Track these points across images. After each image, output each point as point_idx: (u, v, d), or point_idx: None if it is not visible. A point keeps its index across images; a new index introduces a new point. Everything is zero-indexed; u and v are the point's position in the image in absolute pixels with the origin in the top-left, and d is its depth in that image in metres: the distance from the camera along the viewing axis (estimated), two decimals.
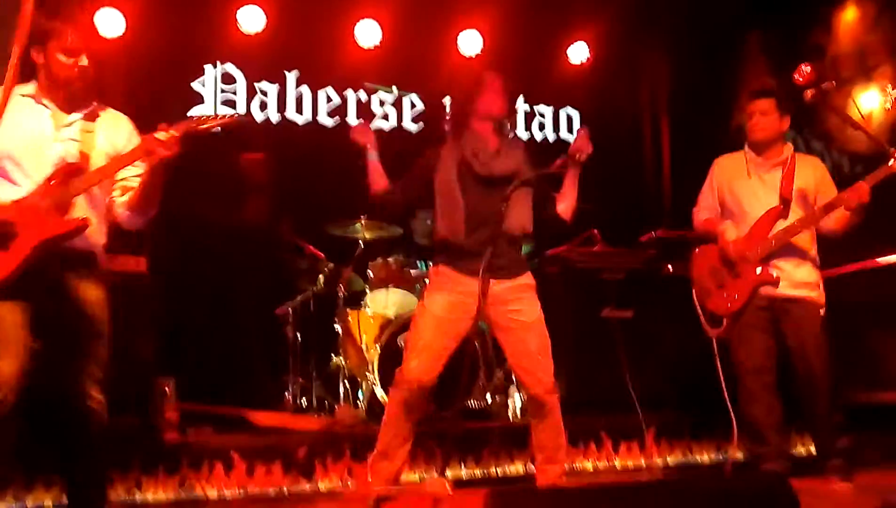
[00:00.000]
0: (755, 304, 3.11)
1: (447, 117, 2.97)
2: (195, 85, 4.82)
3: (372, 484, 2.69)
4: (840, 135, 4.61)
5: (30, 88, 2.42)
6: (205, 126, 2.40)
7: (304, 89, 5.05)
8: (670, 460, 3.80)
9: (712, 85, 5.18)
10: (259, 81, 4.95)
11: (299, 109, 5.03)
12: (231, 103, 4.88)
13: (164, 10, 4.58)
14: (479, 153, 2.76)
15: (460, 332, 2.69)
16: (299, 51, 4.95)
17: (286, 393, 4.22)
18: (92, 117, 2.45)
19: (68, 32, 2.35)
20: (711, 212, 3.32)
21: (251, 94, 4.93)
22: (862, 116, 3.92)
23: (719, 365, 3.10)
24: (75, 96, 2.43)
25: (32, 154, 2.34)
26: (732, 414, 3.10)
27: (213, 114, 2.46)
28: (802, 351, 3.07)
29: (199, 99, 4.81)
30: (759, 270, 3.10)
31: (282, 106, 4.99)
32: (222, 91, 4.88)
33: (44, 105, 2.41)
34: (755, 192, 3.19)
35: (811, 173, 3.19)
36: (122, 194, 2.50)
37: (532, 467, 2.91)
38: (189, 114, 2.46)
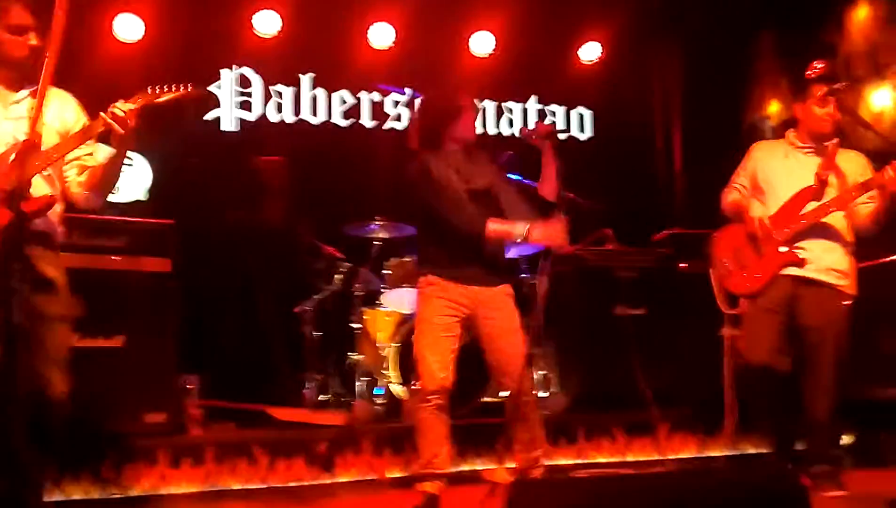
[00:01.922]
0: (774, 290, 2.94)
1: (418, 130, 2.90)
2: (212, 88, 4.89)
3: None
4: (852, 134, 4.62)
5: None
6: (162, 99, 2.35)
7: (320, 91, 5.12)
8: (683, 455, 3.85)
9: (724, 84, 5.19)
10: (275, 83, 5.02)
11: (314, 111, 5.11)
12: (247, 106, 4.97)
13: (182, 15, 4.66)
14: (459, 170, 2.80)
15: (456, 334, 2.79)
16: (314, 53, 5.02)
17: (305, 390, 4.29)
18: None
19: (14, 9, 2.27)
20: (741, 192, 3.16)
21: (267, 96, 5.01)
22: (873, 115, 3.93)
23: (728, 363, 3.07)
24: (24, 76, 2.33)
25: None
26: (728, 409, 3.05)
27: (169, 86, 2.37)
28: (816, 341, 2.92)
29: (215, 102, 4.88)
30: (783, 249, 2.94)
31: (297, 108, 5.07)
32: (239, 94, 4.96)
33: None
34: (790, 171, 3.04)
35: (854, 164, 3.05)
36: (80, 173, 2.42)
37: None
38: (148, 90, 2.37)
